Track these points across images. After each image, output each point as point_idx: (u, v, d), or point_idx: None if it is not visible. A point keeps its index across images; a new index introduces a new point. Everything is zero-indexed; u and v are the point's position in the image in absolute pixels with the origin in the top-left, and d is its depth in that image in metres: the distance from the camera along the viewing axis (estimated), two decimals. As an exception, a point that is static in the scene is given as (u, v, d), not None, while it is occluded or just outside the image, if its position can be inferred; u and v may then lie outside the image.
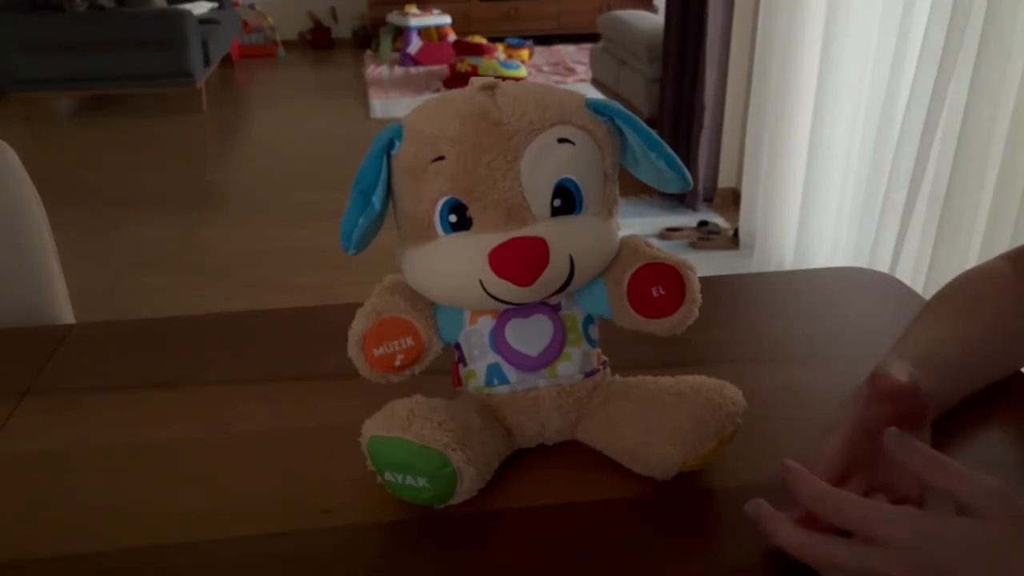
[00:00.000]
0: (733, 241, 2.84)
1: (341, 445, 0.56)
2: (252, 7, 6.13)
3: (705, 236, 2.87)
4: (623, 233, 0.57)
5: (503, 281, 0.50)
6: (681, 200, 3.15)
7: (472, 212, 0.51)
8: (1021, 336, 0.64)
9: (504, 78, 0.68)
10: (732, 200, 3.10)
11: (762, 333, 0.77)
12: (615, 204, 0.56)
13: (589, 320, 0.58)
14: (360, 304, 0.56)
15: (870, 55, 2.13)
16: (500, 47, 5.44)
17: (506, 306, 0.55)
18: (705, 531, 0.53)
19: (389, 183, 0.54)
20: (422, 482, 0.51)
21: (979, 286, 0.66)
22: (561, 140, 0.52)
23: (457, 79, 4.96)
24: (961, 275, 0.68)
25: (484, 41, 5.34)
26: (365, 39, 6.35)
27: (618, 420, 0.56)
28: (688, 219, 3.03)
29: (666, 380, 0.57)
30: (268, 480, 0.58)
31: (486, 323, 0.56)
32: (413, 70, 5.58)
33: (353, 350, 0.55)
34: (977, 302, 0.65)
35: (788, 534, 0.47)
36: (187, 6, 4.76)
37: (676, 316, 0.56)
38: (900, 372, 0.52)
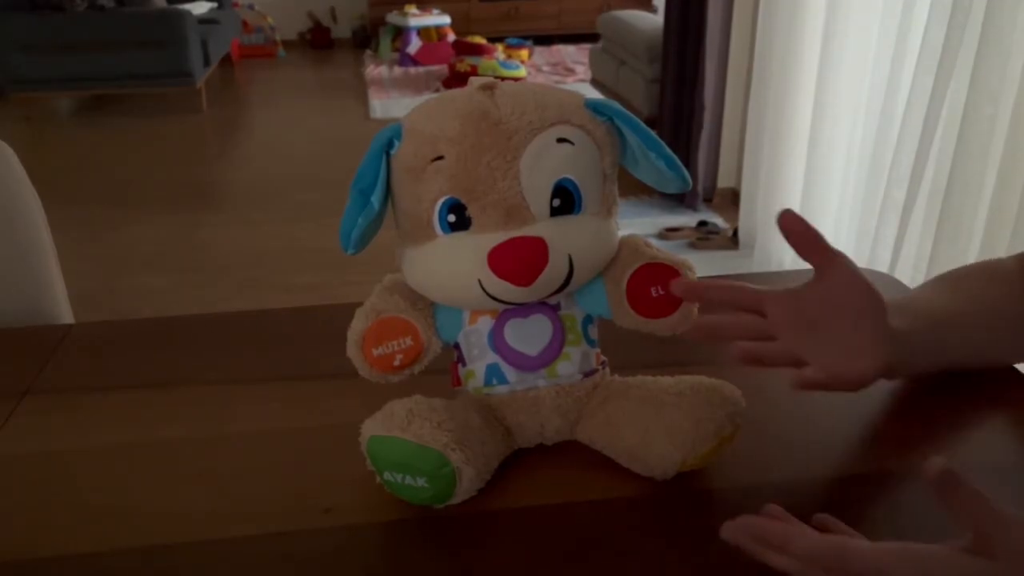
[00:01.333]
0: (733, 241, 2.84)
1: (341, 445, 0.56)
2: (252, 7, 6.13)
3: (705, 236, 2.87)
4: (622, 233, 0.57)
5: (502, 281, 0.50)
6: (681, 200, 3.15)
7: (471, 212, 0.51)
8: (1010, 327, 0.64)
9: (503, 78, 0.68)
10: (732, 200, 3.10)
11: (762, 333, 0.77)
12: (614, 204, 0.56)
13: (588, 320, 0.58)
14: (359, 304, 0.56)
15: (870, 54, 2.13)
16: (499, 47, 5.44)
17: (505, 306, 0.55)
18: (704, 531, 0.53)
19: (388, 183, 0.54)
20: (421, 482, 0.51)
21: (982, 273, 0.67)
22: (560, 140, 0.52)
23: (456, 79, 4.95)
24: (968, 264, 0.69)
25: (483, 41, 5.34)
26: (364, 39, 6.35)
27: (617, 420, 0.56)
28: (688, 219, 3.02)
29: (665, 380, 0.57)
30: (268, 480, 0.58)
31: (485, 323, 0.56)
32: (412, 70, 5.58)
33: (352, 350, 0.55)
34: (974, 283, 0.66)
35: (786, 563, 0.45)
36: (187, 6, 4.75)
37: (675, 316, 0.56)
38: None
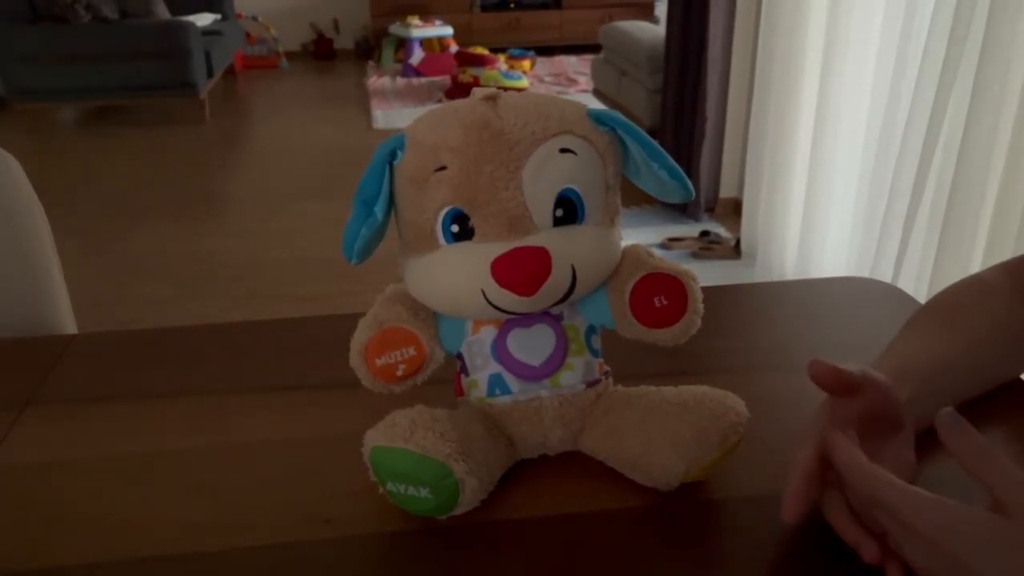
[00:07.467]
0: (735, 251, 2.85)
1: (343, 455, 0.56)
2: (255, 18, 6.16)
3: (707, 246, 2.87)
4: (625, 243, 0.57)
5: (505, 291, 0.50)
6: (683, 210, 3.15)
7: (474, 222, 0.51)
8: (1013, 346, 0.64)
9: (506, 89, 0.68)
10: (734, 210, 3.10)
11: (764, 343, 0.77)
12: (617, 214, 0.56)
13: (591, 330, 0.58)
14: (362, 314, 0.56)
15: (871, 64, 2.14)
16: (502, 58, 5.46)
17: (508, 316, 0.55)
18: (708, 542, 0.53)
19: (391, 193, 0.54)
20: (424, 493, 0.51)
21: (971, 296, 0.66)
22: (563, 150, 0.52)
23: (459, 90, 4.97)
24: (954, 284, 0.67)
25: (486, 52, 5.36)
26: (367, 50, 6.38)
27: (620, 430, 0.56)
28: (690, 229, 3.03)
29: (669, 390, 0.57)
30: (270, 490, 0.58)
31: (488, 333, 0.56)
32: (415, 81, 5.60)
33: (355, 360, 0.55)
34: (968, 312, 0.64)
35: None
36: (190, 18, 4.78)
37: (678, 326, 0.56)
38: (848, 367, 0.52)
